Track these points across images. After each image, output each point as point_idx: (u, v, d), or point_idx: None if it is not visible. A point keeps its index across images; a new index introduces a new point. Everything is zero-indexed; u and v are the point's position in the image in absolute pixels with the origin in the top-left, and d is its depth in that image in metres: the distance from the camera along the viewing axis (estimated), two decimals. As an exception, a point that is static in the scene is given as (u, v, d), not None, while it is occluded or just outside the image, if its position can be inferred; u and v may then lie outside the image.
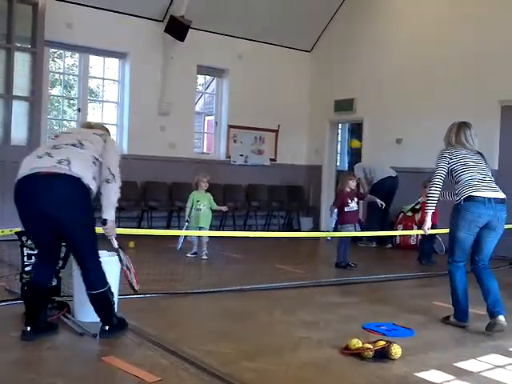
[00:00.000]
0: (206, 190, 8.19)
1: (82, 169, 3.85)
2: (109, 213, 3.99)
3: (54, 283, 4.45)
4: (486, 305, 4.60)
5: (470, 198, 4.57)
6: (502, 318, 4.43)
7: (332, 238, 7.48)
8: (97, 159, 3.97)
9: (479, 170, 4.71)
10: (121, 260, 4.33)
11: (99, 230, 4.12)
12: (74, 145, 3.95)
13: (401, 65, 10.89)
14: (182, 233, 8.06)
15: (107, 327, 4.04)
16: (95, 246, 4.04)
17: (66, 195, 3.81)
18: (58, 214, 3.79)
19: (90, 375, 3.47)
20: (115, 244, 4.23)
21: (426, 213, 4.90)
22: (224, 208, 8.50)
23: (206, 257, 7.89)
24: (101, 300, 4.02)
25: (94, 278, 3.99)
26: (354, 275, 7.13)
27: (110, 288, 4.08)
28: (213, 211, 8.26)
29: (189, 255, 7.99)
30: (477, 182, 4.61)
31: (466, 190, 4.60)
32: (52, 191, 3.78)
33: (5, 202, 8.44)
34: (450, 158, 4.76)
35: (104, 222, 4.02)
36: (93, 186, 3.91)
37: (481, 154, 4.87)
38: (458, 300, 4.76)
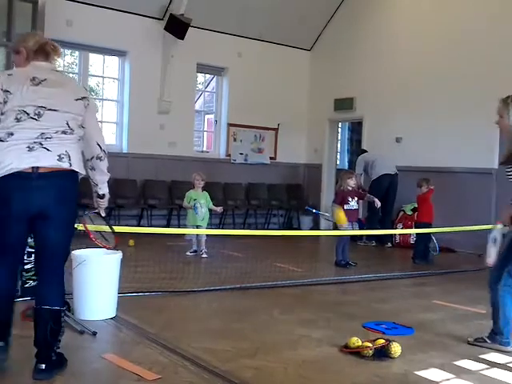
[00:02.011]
0: (204, 189, 8.18)
1: (79, 161, 3.48)
2: (105, 188, 3.75)
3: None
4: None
5: None
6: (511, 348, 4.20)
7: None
8: (81, 137, 3.52)
9: None
10: (111, 229, 4.11)
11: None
12: (64, 132, 3.39)
13: (401, 63, 10.88)
14: (184, 231, 8.04)
15: (43, 366, 3.29)
16: (67, 257, 3.60)
17: (66, 193, 3.43)
18: (54, 211, 3.34)
19: (89, 373, 3.47)
20: (103, 213, 3.94)
21: None
22: (219, 209, 8.33)
23: (205, 255, 7.88)
24: (53, 320, 3.33)
25: (57, 291, 3.42)
26: (353, 274, 7.13)
27: (65, 311, 3.65)
28: (209, 210, 8.24)
29: (188, 253, 7.99)
30: None
31: None
32: (53, 189, 3.35)
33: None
34: None
35: (102, 197, 3.78)
36: (82, 172, 3.54)
37: None
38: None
